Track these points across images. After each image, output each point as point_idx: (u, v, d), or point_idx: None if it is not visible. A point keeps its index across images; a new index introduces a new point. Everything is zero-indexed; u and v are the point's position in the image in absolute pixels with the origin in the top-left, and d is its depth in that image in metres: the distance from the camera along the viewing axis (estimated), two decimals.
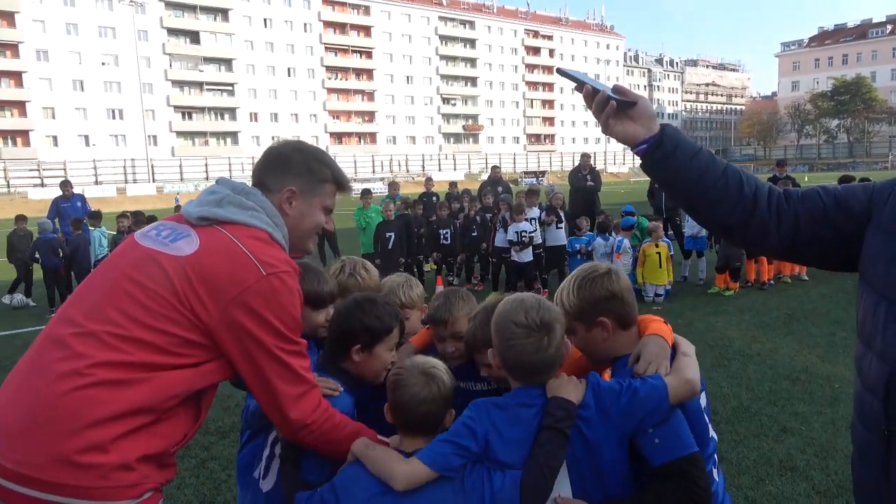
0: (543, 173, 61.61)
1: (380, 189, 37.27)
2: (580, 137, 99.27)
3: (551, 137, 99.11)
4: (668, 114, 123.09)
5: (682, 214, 11.43)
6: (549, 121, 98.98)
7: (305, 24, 75.45)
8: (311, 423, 1.66)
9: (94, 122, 62.03)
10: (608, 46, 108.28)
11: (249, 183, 1.80)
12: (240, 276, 1.55)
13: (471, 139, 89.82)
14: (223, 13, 70.28)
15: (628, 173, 71.33)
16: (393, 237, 9.74)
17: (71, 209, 11.70)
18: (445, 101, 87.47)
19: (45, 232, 10.53)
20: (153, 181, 55.03)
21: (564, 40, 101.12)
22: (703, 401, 1.80)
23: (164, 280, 1.54)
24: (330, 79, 77.21)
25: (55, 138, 60.34)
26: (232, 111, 70.81)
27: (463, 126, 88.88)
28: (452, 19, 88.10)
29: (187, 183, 53.86)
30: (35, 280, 10.96)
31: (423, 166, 72.16)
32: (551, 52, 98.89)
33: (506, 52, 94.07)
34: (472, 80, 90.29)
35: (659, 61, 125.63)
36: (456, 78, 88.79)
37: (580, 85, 1.55)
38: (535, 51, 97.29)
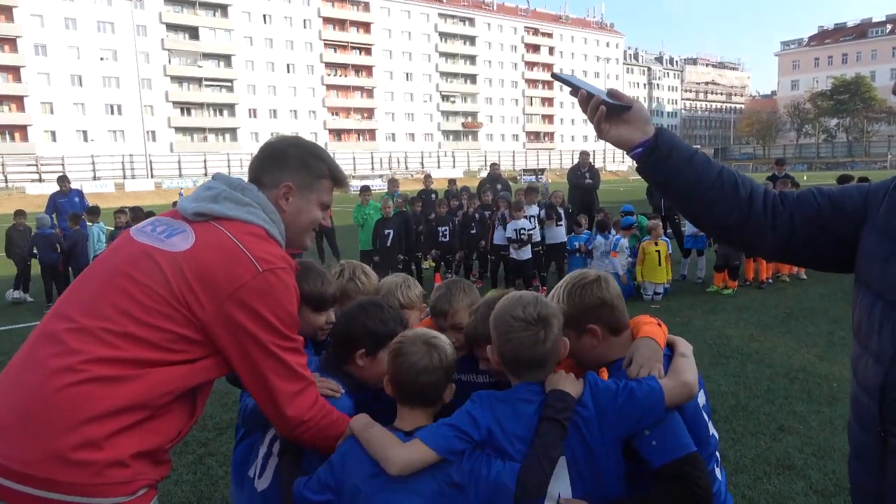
0: (543, 171, 61.55)
1: (379, 186, 37.24)
2: (579, 135, 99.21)
3: (550, 135, 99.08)
4: (668, 112, 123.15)
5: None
6: (549, 118, 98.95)
7: (305, 21, 75.33)
8: (308, 420, 1.65)
9: (93, 118, 61.92)
10: (608, 44, 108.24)
11: (246, 179, 1.79)
12: (236, 273, 1.54)
13: (470, 136, 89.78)
14: (222, 9, 70.14)
15: (627, 171, 71.28)
16: (392, 234, 9.73)
17: (68, 204, 11.66)
18: (445, 98, 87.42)
19: (43, 227, 10.51)
20: (151, 177, 54.94)
21: (564, 38, 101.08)
22: (701, 399, 1.80)
23: (159, 276, 1.53)
24: (329, 75, 77.12)
25: (53, 133, 60.23)
26: (231, 107, 70.73)
27: (462, 123, 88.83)
28: (452, 16, 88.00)
29: (186, 179, 53.74)
30: (33, 275, 10.94)
31: (423, 163, 72.05)
32: (551, 50, 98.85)
33: (505, 49, 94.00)
34: (472, 78, 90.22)
35: (659, 59, 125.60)
36: (455, 75, 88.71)
37: (575, 89, 1.56)
38: (535, 48, 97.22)
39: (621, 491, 1.61)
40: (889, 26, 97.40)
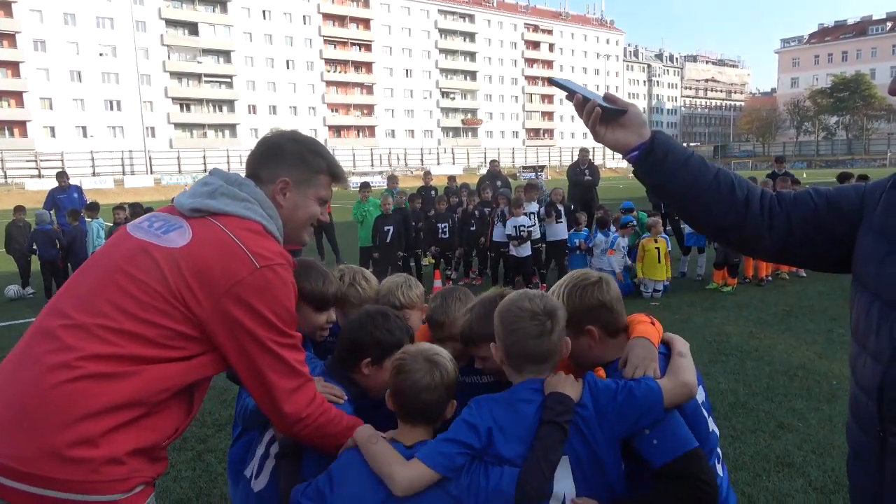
0: (542, 168, 61.55)
1: (378, 183, 37.21)
2: (579, 132, 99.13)
3: (550, 132, 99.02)
4: (668, 109, 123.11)
5: None
6: (549, 115, 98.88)
7: (304, 16, 75.19)
8: (306, 417, 1.64)
9: (92, 113, 61.83)
10: (608, 41, 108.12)
11: (244, 174, 1.78)
12: (233, 269, 1.53)
13: (470, 133, 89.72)
14: (222, 4, 70.02)
15: (627, 168, 71.17)
16: (391, 231, 9.72)
17: (67, 200, 11.65)
18: (444, 94, 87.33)
19: (42, 223, 10.49)
20: (151, 173, 54.94)
21: (564, 35, 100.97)
22: (701, 396, 1.80)
23: (156, 272, 1.52)
24: (329, 71, 77.02)
25: (52, 129, 60.15)
26: (230, 103, 70.64)
27: (462, 120, 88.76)
28: (452, 13, 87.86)
29: (185, 175, 53.75)
30: (33, 271, 10.92)
31: (422, 160, 72.05)
32: (551, 47, 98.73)
33: (505, 46, 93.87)
34: (472, 74, 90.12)
35: (659, 57, 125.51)
36: (455, 72, 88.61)
37: (571, 94, 1.57)
38: (535, 45, 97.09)
39: (622, 490, 1.61)
40: (889, 24, 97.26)
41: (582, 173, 12.73)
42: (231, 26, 69.97)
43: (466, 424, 1.59)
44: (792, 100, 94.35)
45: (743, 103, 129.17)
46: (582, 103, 1.54)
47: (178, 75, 67.62)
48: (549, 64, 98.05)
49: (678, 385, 1.62)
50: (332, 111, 77.69)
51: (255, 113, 71.37)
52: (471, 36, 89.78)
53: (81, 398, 1.40)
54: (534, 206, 9.84)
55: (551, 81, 1.69)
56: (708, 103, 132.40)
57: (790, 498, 3.63)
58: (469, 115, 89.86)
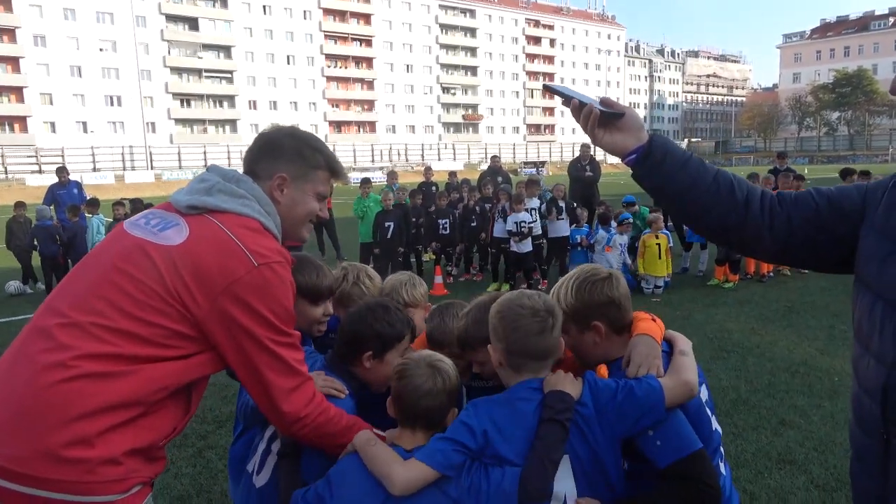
0: (543, 163, 61.50)
1: (379, 178, 37.18)
2: (580, 128, 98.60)
3: (551, 127, 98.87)
4: (669, 105, 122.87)
5: None
6: (550, 111, 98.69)
7: (305, 12, 75.01)
8: (304, 417, 1.63)
9: (92, 109, 61.77)
10: (609, 37, 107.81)
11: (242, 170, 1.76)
12: (230, 267, 1.51)
13: (470, 129, 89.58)
14: (222, 0, 69.84)
15: None
16: (392, 226, 9.71)
17: (67, 196, 11.62)
18: (445, 90, 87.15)
19: (42, 219, 10.48)
20: (151, 168, 54.87)
21: (565, 30, 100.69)
22: (704, 395, 1.80)
23: (153, 270, 1.50)
24: (329, 67, 76.88)
25: (53, 124, 60.10)
26: (231, 99, 70.55)
27: (463, 115, 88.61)
28: (453, 8, 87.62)
29: (185, 171, 53.67)
30: (33, 267, 10.91)
31: (423, 156, 71.94)
32: (552, 42, 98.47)
33: (506, 41, 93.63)
34: (473, 70, 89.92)
35: (660, 52, 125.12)
36: (456, 67, 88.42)
37: (567, 100, 1.56)
38: (536, 40, 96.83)
39: (622, 490, 1.60)
40: (891, 19, 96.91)
41: (583, 169, 12.69)
42: (231, 21, 69.81)
43: (463, 425, 1.58)
44: (794, 95, 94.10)
45: (744, 99, 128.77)
46: (578, 108, 1.54)
47: (178, 71, 67.52)
48: (550, 59, 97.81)
49: (679, 384, 1.61)
50: (333, 107, 77.58)
51: (255, 108, 71.26)
52: (471, 31, 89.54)
53: (77, 398, 1.39)
54: (535, 202, 9.82)
55: (546, 87, 1.68)
56: (709, 99, 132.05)
57: (792, 495, 3.62)
58: (470, 111, 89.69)
